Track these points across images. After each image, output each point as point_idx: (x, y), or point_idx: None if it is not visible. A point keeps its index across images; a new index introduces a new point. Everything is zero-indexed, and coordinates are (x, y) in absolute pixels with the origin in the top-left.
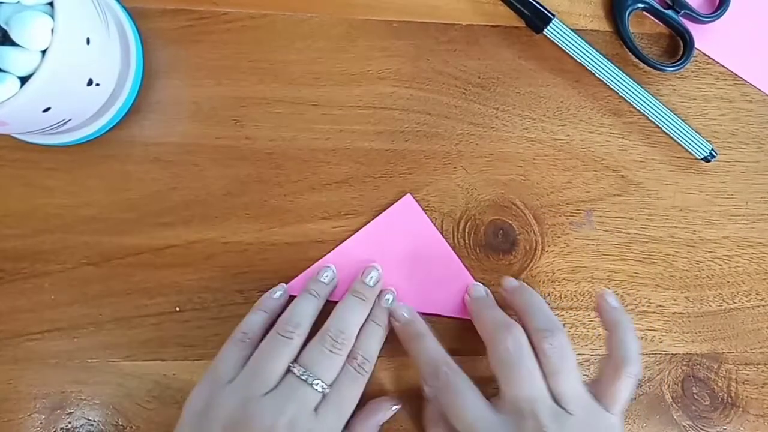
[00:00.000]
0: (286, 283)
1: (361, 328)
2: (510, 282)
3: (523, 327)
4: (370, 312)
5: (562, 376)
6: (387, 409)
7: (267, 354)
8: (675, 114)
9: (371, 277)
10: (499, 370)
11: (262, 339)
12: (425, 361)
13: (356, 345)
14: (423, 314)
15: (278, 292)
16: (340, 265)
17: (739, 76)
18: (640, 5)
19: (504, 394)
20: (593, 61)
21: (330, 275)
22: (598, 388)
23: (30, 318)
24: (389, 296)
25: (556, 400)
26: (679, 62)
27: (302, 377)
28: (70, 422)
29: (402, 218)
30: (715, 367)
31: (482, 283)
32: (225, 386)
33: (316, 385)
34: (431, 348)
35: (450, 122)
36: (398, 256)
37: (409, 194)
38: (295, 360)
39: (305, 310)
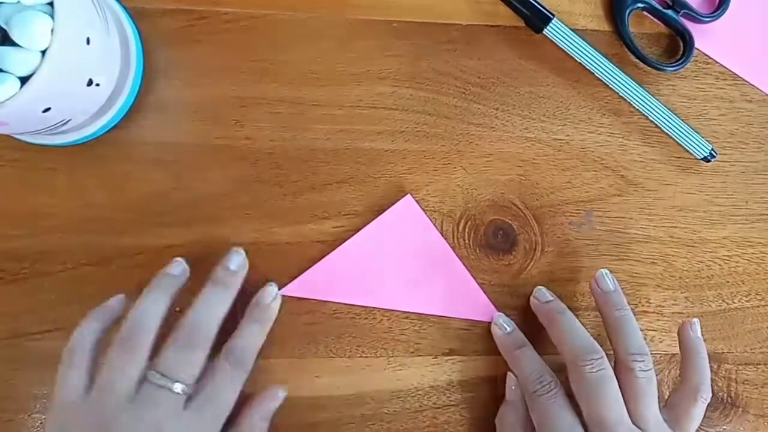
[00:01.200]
0: (279, 289)
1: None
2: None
3: (612, 344)
4: (249, 309)
5: (647, 400)
6: (277, 398)
7: (114, 367)
8: (675, 114)
9: (232, 261)
10: (584, 392)
11: (96, 346)
12: (530, 366)
13: (233, 340)
14: (422, 315)
15: (112, 301)
16: (339, 267)
17: (739, 76)
18: (640, 5)
19: (586, 415)
20: (593, 61)
21: (181, 268)
22: (672, 412)
23: (30, 318)
24: (271, 290)
25: (636, 423)
26: (679, 62)
27: (158, 383)
28: None
29: (402, 219)
30: (715, 367)
31: (483, 282)
32: (77, 410)
33: (176, 388)
34: (536, 357)
35: (450, 122)
36: (398, 257)
37: (409, 195)
38: (151, 363)
39: (149, 313)
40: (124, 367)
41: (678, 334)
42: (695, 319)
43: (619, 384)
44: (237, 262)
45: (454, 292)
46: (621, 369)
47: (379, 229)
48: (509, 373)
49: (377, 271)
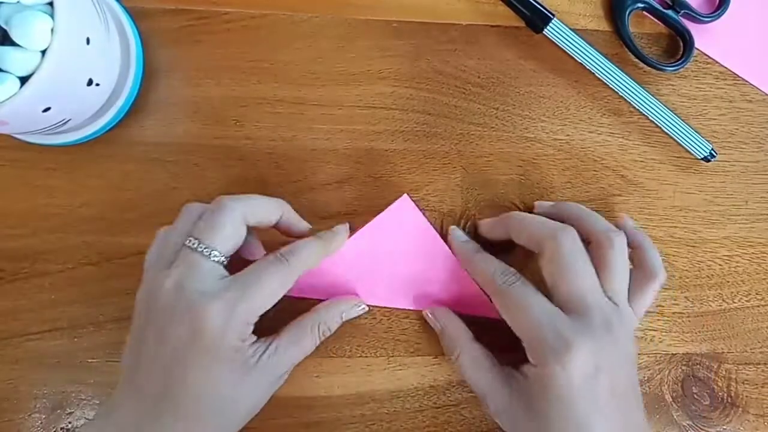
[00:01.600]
0: None
1: None
2: (543, 203)
3: (584, 234)
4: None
5: (619, 273)
6: (356, 305)
7: (171, 227)
8: (675, 114)
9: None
10: (556, 268)
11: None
12: (492, 263)
13: (288, 245)
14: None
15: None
16: (338, 268)
17: (738, 76)
18: (639, 5)
19: (562, 292)
20: (593, 60)
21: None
22: (631, 293)
23: (30, 318)
24: (345, 226)
25: (609, 296)
26: (679, 62)
27: (192, 246)
28: (70, 422)
29: (399, 218)
30: (715, 366)
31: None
32: (144, 279)
33: (213, 255)
34: (494, 258)
35: (450, 122)
36: (396, 257)
37: (405, 194)
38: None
39: (253, 203)
40: (169, 234)
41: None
42: (622, 214)
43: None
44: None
45: (451, 289)
46: (595, 247)
47: (376, 229)
48: (425, 311)
49: (376, 271)
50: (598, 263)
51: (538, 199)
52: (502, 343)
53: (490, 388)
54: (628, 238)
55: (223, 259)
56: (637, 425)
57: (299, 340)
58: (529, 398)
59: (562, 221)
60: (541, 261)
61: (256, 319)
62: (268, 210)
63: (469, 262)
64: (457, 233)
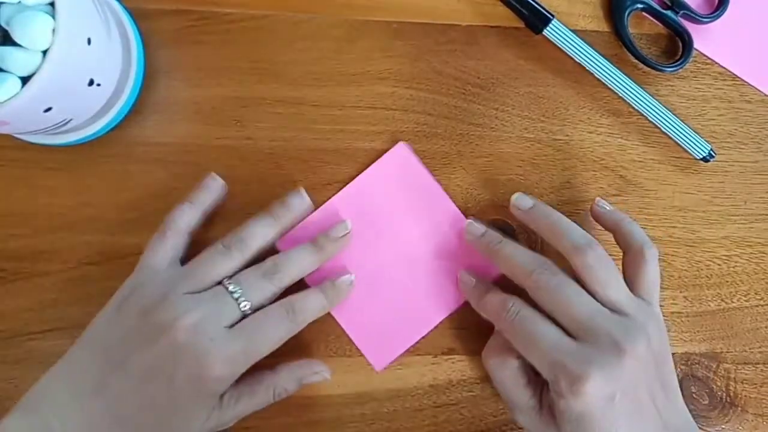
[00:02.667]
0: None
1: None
2: (523, 201)
3: (555, 245)
4: (322, 284)
5: (612, 284)
6: (316, 372)
7: (204, 261)
8: (674, 114)
9: (337, 231)
10: (549, 302)
11: (190, 233)
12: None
13: (296, 297)
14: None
15: (208, 181)
16: (331, 220)
17: (737, 77)
18: (639, 6)
19: (563, 321)
20: (592, 61)
21: (306, 206)
22: (632, 286)
23: (31, 317)
24: (346, 279)
25: (611, 309)
26: (678, 62)
27: (231, 290)
28: None
29: (396, 167)
30: (714, 366)
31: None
32: (155, 276)
33: (242, 304)
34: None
35: (450, 122)
36: (393, 207)
37: (401, 141)
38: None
39: (257, 231)
40: (210, 265)
41: (596, 218)
42: (597, 199)
43: (579, 281)
44: (341, 231)
45: (452, 239)
46: (574, 265)
47: (372, 179)
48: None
49: (373, 223)
50: (585, 281)
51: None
52: None
53: (524, 405)
54: (602, 221)
55: (249, 312)
56: (674, 427)
57: (254, 396)
58: (555, 421)
59: (537, 229)
60: (532, 296)
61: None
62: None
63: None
64: (464, 278)
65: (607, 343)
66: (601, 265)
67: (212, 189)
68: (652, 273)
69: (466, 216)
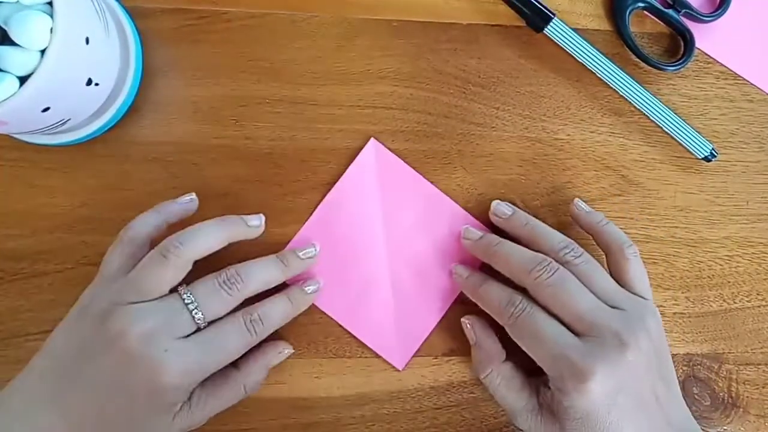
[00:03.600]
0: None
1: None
2: (502, 208)
3: (538, 251)
4: (288, 288)
5: (599, 279)
6: (279, 352)
7: (149, 269)
8: (675, 113)
9: (306, 252)
10: (550, 297)
11: (149, 242)
12: (498, 294)
13: (258, 305)
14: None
15: (185, 198)
16: (317, 236)
17: (739, 76)
18: (640, 4)
19: (565, 317)
20: (594, 60)
21: (258, 222)
22: (621, 283)
23: (30, 318)
24: (313, 286)
25: (609, 305)
26: (680, 62)
27: (186, 301)
28: None
29: (373, 164)
30: (716, 367)
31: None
32: (107, 284)
33: (196, 315)
34: (501, 285)
35: (450, 122)
36: (379, 204)
37: (372, 138)
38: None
39: (201, 237)
40: (155, 274)
41: (574, 219)
42: (576, 200)
43: None
44: (310, 253)
45: (445, 227)
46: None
47: (350, 183)
48: (464, 319)
49: (362, 225)
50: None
51: (537, 200)
52: (532, 363)
53: (522, 408)
54: (582, 223)
55: (203, 324)
56: (676, 421)
57: (223, 396)
58: (557, 420)
59: (515, 237)
60: (532, 294)
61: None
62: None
63: (475, 295)
64: (458, 270)
65: (610, 337)
66: (588, 265)
67: (186, 206)
68: (637, 269)
69: (452, 198)
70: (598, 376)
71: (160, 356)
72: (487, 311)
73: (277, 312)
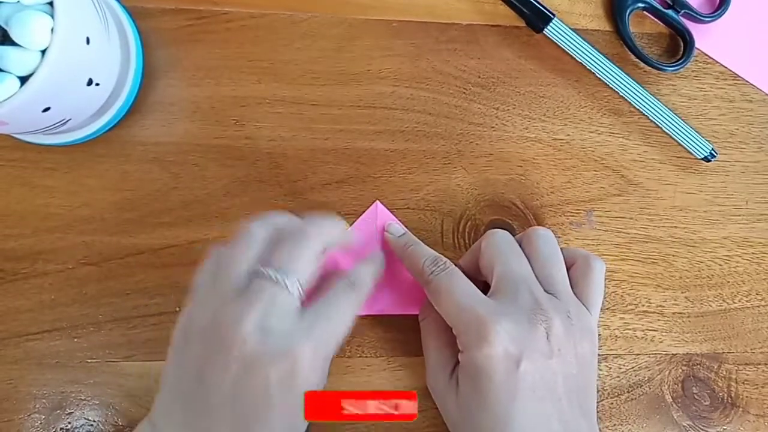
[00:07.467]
0: None
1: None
2: (394, 229)
3: (413, 274)
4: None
5: (553, 263)
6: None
7: (232, 249)
8: (675, 114)
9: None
10: (489, 257)
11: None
12: (424, 253)
13: (345, 270)
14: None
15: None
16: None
17: (739, 76)
18: (640, 5)
19: (495, 275)
20: (593, 60)
21: (341, 228)
22: (574, 286)
23: (30, 318)
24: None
25: (543, 285)
26: (680, 62)
27: (271, 277)
28: (69, 422)
29: (374, 226)
30: (715, 367)
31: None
32: (204, 297)
33: (290, 285)
34: (428, 248)
35: (450, 122)
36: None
37: (377, 201)
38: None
39: (284, 222)
40: (235, 257)
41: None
42: (536, 227)
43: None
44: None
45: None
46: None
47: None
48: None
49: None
50: (530, 257)
51: (537, 200)
52: None
53: (437, 363)
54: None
55: (303, 293)
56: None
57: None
58: (459, 385)
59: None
60: (480, 261)
61: (336, 351)
62: (341, 234)
63: (402, 255)
64: (391, 228)
65: (528, 306)
66: (546, 241)
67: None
68: (596, 280)
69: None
70: (501, 333)
71: (285, 344)
72: (409, 272)
73: (371, 270)
